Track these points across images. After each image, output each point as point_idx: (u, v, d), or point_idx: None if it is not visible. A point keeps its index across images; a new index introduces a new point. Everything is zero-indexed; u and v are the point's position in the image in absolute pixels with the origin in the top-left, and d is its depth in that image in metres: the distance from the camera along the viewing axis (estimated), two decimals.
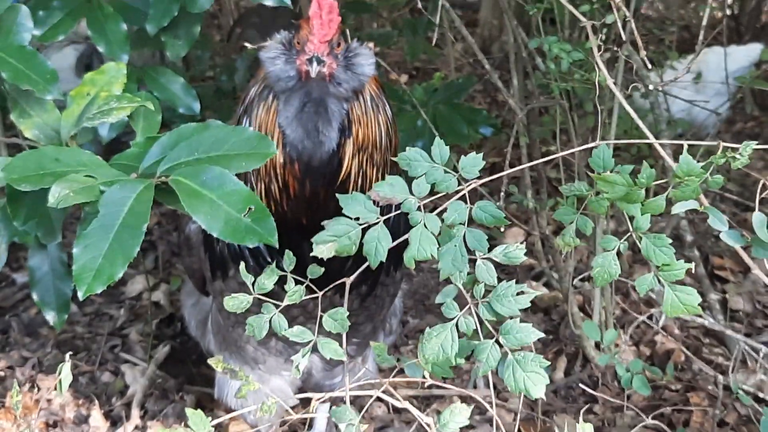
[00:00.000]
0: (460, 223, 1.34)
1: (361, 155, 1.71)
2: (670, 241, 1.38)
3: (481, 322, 1.37)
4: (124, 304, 3.20)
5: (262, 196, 1.72)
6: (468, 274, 1.38)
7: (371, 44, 1.74)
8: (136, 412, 2.58)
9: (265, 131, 1.68)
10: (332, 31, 1.62)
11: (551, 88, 2.64)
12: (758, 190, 1.41)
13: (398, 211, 1.37)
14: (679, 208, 1.38)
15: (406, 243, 1.35)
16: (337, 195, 1.37)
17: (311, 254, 1.33)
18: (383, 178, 1.68)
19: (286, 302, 1.47)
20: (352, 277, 1.44)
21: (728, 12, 4.53)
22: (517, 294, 1.37)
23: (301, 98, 1.67)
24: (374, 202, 1.34)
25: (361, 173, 1.72)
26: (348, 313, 1.45)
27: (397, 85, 3.07)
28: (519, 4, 2.70)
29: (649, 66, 2.16)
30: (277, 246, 1.36)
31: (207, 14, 2.35)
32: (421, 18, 3.83)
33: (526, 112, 2.72)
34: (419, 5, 2.61)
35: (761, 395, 2.48)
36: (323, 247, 1.31)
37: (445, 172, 1.37)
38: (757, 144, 1.36)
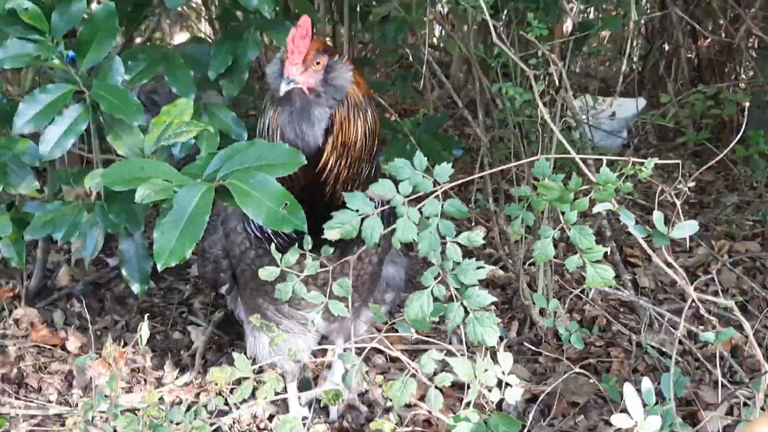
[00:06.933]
0: (434, 215, 1.36)
1: (339, 151, 1.62)
2: (592, 231, 1.41)
3: (455, 297, 1.38)
4: (189, 281, 3.22)
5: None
6: (444, 260, 1.39)
7: (346, 59, 1.65)
8: (198, 361, 2.60)
9: (273, 129, 1.63)
10: (301, 56, 1.53)
11: (507, 121, 2.67)
12: (657, 195, 1.44)
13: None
14: (599, 208, 1.41)
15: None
16: (343, 193, 1.38)
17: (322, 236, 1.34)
18: (356, 173, 1.64)
19: (306, 273, 1.50)
20: (355, 256, 1.46)
21: (635, 68, 4.72)
22: (477, 268, 1.40)
23: (289, 107, 1.60)
24: (370, 198, 1.37)
25: (337, 166, 1.62)
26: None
27: (393, 120, 3.09)
28: (483, 59, 2.73)
29: (578, 105, 2.19)
30: (306, 231, 1.37)
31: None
32: (409, 71, 3.85)
33: (489, 139, 2.75)
34: (410, 60, 2.63)
35: (663, 349, 2.50)
36: (332, 231, 1.34)
37: (423, 177, 1.39)
38: (657, 161, 1.40)
